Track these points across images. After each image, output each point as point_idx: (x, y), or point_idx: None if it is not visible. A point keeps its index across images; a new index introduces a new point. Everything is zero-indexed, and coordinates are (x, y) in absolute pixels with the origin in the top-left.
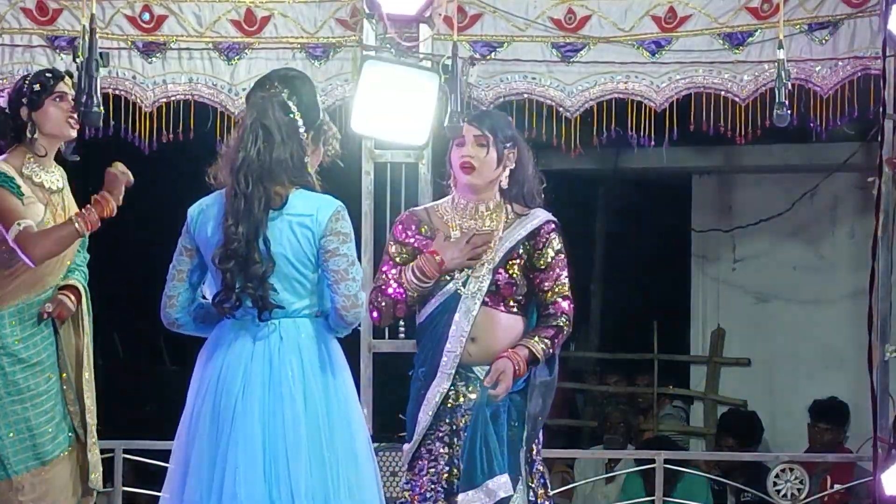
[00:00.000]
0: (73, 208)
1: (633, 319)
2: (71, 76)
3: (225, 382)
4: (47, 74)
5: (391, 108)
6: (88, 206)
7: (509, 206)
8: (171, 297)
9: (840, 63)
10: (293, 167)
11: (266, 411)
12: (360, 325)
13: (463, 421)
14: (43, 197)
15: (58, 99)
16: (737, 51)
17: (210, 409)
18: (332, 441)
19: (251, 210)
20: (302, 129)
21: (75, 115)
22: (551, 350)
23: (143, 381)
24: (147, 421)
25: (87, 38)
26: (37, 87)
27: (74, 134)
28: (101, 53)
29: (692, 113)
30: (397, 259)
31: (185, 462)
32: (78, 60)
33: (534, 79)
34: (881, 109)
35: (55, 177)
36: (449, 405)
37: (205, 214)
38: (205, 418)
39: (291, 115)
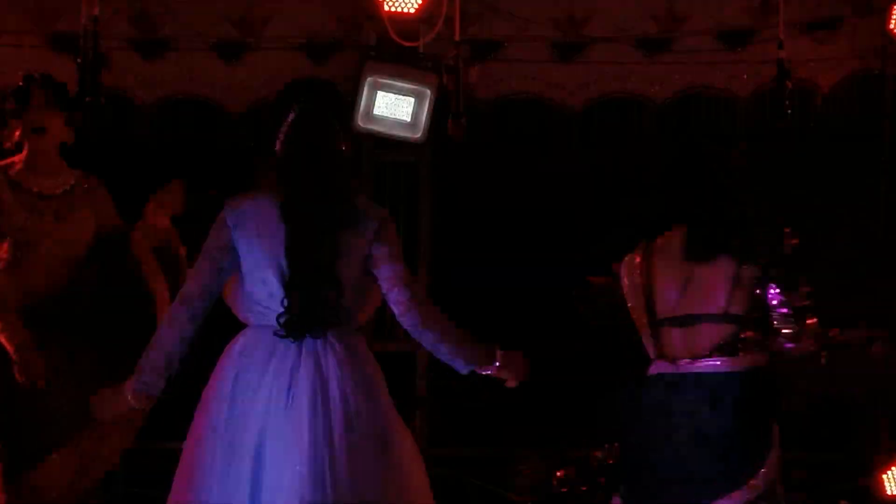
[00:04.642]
0: (79, 215)
1: None
2: (40, 79)
3: (272, 391)
4: (23, 80)
5: (391, 108)
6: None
7: None
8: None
9: (840, 63)
10: (346, 185)
11: (315, 418)
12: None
13: None
14: (30, 203)
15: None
16: (737, 51)
17: (252, 416)
18: (381, 447)
19: (319, 239)
20: (344, 143)
21: (38, 124)
22: None
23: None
24: (146, 421)
25: (88, 40)
26: (14, 93)
27: (40, 145)
28: (101, 55)
29: (692, 113)
30: None
31: (208, 465)
32: (78, 61)
33: (534, 79)
34: (881, 109)
35: (55, 182)
36: None
37: (244, 218)
38: (244, 426)
39: (337, 135)
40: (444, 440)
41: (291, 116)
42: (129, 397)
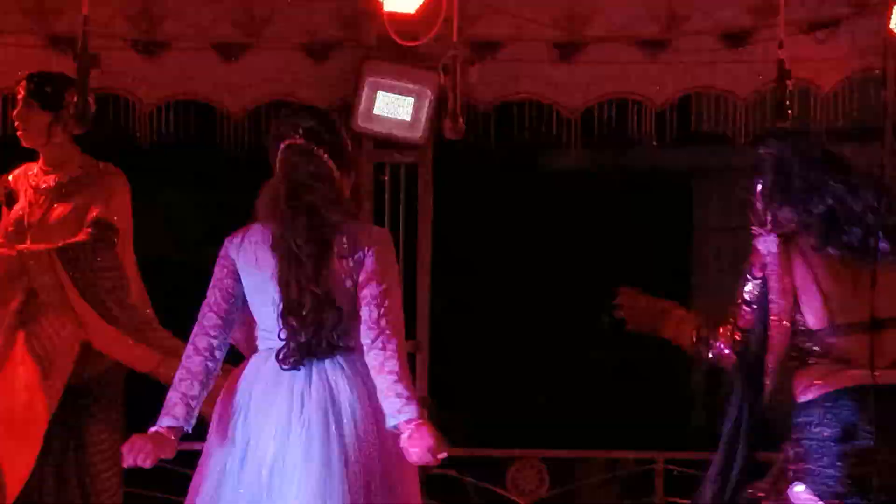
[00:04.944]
0: (68, 205)
1: None
2: (25, 78)
3: (281, 415)
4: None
5: (391, 108)
6: None
7: None
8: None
9: (840, 63)
10: (335, 215)
11: (327, 442)
12: None
13: None
14: (32, 196)
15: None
16: (737, 51)
17: (262, 442)
18: (389, 473)
19: (313, 274)
20: (336, 174)
21: (17, 121)
22: None
23: (141, 382)
24: (146, 423)
25: (81, 41)
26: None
27: (24, 140)
28: (92, 55)
29: (692, 113)
30: None
31: (214, 490)
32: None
33: (534, 79)
34: (881, 109)
35: (51, 177)
36: None
37: (242, 250)
38: (254, 452)
39: (324, 168)
40: (445, 440)
41: (282, 147)
42: (164, 435)
